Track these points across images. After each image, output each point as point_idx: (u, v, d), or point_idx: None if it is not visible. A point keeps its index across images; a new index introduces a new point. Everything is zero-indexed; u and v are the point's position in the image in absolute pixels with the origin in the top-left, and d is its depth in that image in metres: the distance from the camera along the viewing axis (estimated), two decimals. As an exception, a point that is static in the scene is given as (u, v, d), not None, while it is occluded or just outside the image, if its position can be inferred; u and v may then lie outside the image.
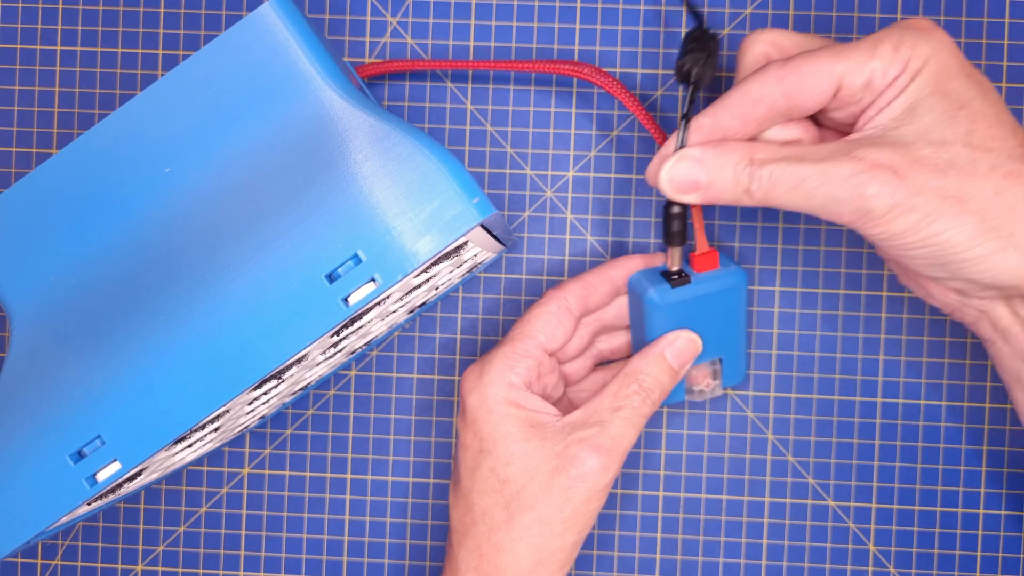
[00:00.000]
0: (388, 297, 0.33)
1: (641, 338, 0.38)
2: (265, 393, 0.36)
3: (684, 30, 0.42)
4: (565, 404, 0.40)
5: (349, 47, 0.42)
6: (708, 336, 0.38)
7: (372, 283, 0.32)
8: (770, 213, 0.42)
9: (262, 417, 0.40)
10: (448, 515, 0.38)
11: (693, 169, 0.33)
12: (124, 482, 0.35)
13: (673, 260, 0.37)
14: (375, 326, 0.36)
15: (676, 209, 0.36)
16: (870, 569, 0.42)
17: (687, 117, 0.34)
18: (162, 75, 0.39)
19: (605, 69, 0.42)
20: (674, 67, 0.35)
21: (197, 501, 0.43)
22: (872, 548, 0.42)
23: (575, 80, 0.42)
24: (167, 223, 0.34)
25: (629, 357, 0.38)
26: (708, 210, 0.42)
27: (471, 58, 0.42)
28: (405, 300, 0.36)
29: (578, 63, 0.38)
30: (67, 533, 0.43)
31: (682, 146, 0.34)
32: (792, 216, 0.42)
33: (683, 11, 0.42)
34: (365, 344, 0.39)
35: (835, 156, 0.32)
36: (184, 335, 0.33)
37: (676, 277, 0.37)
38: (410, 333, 0.43)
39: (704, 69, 0.35)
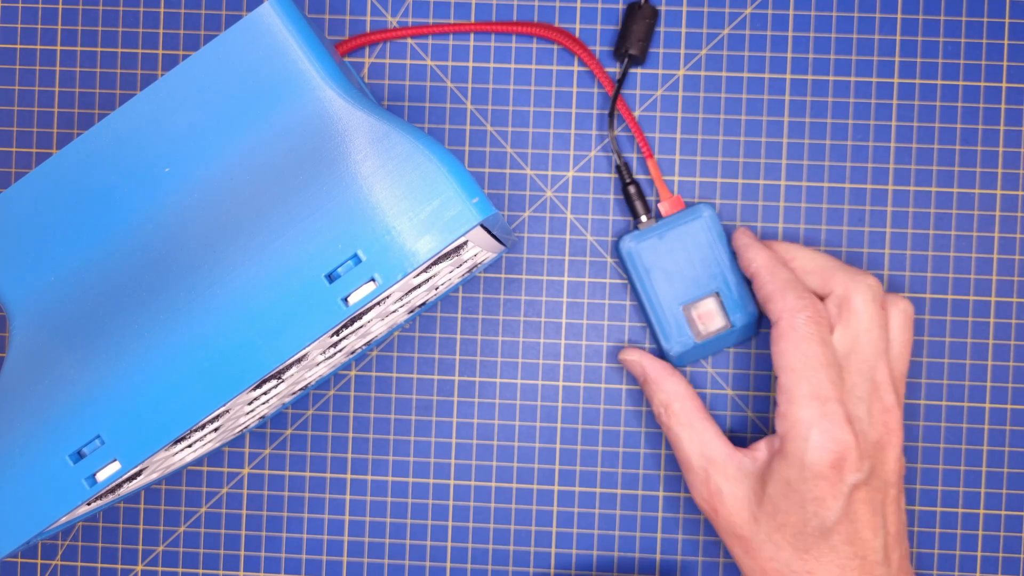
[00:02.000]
0: (388, 297, 0.33)
1: (642, 303, 0.41)
2: (265, 393, 0.36)
3: (684, 30, 0.42)
4: None
5: (349, 47, 0.42)
6: (695, 271, 0.40)
7: (372, 283, 0.32)
8: (770, 213, 0.42)
9: (262, 417, 0.40)
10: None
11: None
12: (124, 482, 0.35)
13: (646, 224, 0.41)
14: (375, 326, 0.36)
15: (632, 188, 0.41)
16: (870, 569, 0.42)
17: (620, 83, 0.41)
18: (162, 75, 0.39)
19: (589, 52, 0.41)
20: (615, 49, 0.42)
21: (197, 501, 0.43)
22: (872, 548, 0.42)
23: (575, 79, 0.42)
24: (167, 223, 0.34)
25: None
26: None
27: (471, 61, 0.42)
28: (405, 300, 0.36)
29: (540, 24, 0.41)
30: (67, 533, 0.43)
31: (611, 111, 0.41)
32: (793, 216, 0.42)
33: (683, 11, 0.42)
34: (365, 344, 0.39)
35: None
36: (184, 335, 0.33)
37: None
38: (410, 333, 0.43)
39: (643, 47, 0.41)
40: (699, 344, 0.41)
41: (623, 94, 0.42)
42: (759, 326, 0.41)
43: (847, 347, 0.36)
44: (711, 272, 0.40)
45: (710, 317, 0.41)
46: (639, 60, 0.41)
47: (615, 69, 0.42)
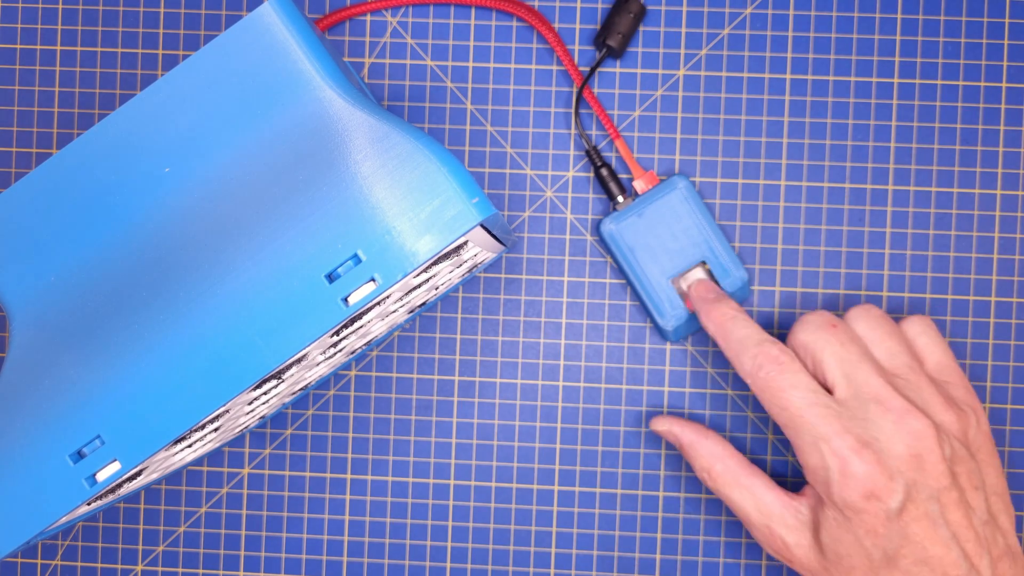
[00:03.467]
0: (388, 297, 0.33)
1: (632, 283, 0.41)
2: (265, 393, 0.36)
3: (684, 30, 0.42)
4: None
5: (349, 47, 0.42)
6: (678, 243, 0.40)
7: (372, 283, 0.32)
8: (770, 213, 0.42)
9: (262, 417, 0.40)
10: None
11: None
12: (124, 482, 0.35)
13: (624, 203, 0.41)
14: (375, 326, 0.36)
15: (604, 171, 0.41)
16: (870, 569, 0.42)
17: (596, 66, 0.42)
18: (162, 75, 0.39)
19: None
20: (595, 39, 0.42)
21: (197, 501, 0.43)
22: (872, 548, 0.42)
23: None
24: (167, 223, 0.34)
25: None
26: (707, 209, 0.42)
27: (471, 61, 0.42)
28: (405, 300, 0.36)
29: (511, 1, 0.42)
30: (67, 533, 0.43)
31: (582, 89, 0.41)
32: (792, 216, 0.42)
33: (683, 11, 0.42)
34: (365, 344, 0.39)
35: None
36: (184, 335, 0.33)
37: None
38: (410, 333, 0.43)
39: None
40: (694, 315, 0.41)
41: (623, 92, 0.42)
42: (751, 285, 0.42)
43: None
44: (695, 241, 0.40)
45: None
46: (616, 54, 0.41)
47: (614, 69, 0.42)
